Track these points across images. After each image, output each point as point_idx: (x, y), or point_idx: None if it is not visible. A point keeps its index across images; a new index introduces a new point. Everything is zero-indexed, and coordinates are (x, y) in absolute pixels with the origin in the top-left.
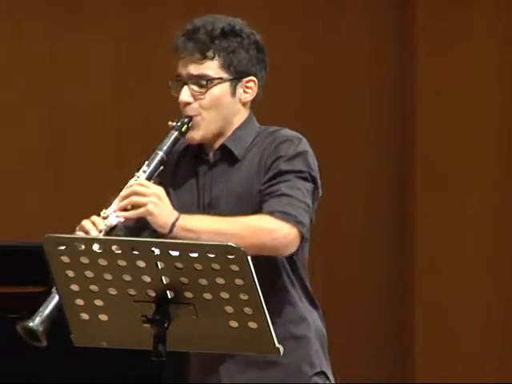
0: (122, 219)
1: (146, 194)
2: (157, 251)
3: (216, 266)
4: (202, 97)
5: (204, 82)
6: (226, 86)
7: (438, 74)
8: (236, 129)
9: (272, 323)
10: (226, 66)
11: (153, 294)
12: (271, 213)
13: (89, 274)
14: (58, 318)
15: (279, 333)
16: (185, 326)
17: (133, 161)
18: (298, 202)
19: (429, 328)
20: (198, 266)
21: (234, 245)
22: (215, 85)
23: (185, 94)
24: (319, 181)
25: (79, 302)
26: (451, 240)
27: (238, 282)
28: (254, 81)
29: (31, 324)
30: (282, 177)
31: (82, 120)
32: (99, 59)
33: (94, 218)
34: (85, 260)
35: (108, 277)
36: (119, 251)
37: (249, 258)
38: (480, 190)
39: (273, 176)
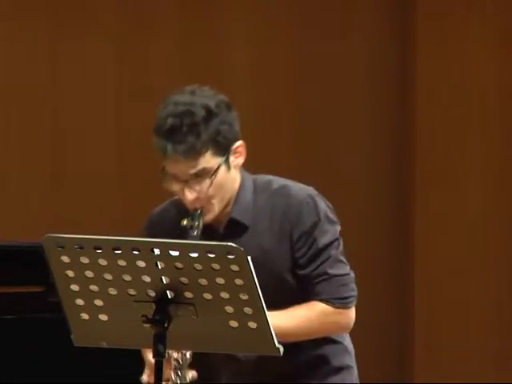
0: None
1: None
2: (157, 251)
3: (216, 266)
4: (208, 189)
5: (205, 176)
6: (223, 167)
7: (437, 74)
8: (236, 197)
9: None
10: (217, 150)
11: (153, 294)
12: (328, 301)
13: (89, 273)
14: (58, 318)
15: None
16: (185, 325)
17: (133, 161)
18: (347, 279)
19: (428, 328)
20: (198, 266)
21: (233, 245)
22: (216, 174)
23: (190, 195)
24: (337, 219)
25: (79, 301)
26: (451, 239)
27: (238, 281)
28: (241, 144)
29: None
30: (321, 256)
31: (83, 120)
32: (99, 60)
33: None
34: (85, 260)
35: (108, 277)
36: (119, 251)
37: (249, 258)
38: (480, 189)
39: (312, 256)
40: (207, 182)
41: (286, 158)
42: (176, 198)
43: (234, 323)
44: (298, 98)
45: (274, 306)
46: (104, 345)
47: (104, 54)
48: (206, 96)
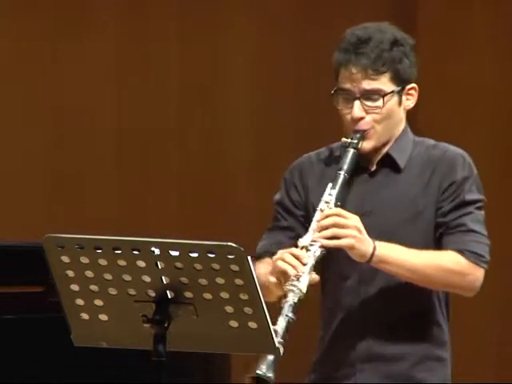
0: (324, 250)
1: (347, 226)
2: (157, 251)
3: (216, 266)
4: (377, 111)
5: (377, 97)
6: (396, 97)
7: (438, 74)
8: (397, 138)
9: (418, 343)
10: (395, 77)
11: (153, 294)
12: (462, 252)
13: (89, 273)
14: (58, 318)
15: (424, 353)
16: (185, 325)
17: (133, 161)
18: (484, 239)
19: None
20: (198, 266)
21: (234, 245)
22: (388, 99)
23: (359, 110)
24: None
25: (79, 301)
26: None
27: (238, 281)
28: (414, 87)
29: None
30: (465, 208)
31: (83, 120)
32: (100, 59)
33: (294, 250)
34: (85, 260)
35: (108, 277)
36: (119, 251)
37: (249, 257)
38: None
39: (455, 206)
40: (378, 103)
41: (286, 155)
42: (331, 145)
43: (234, 323)
44: (298, 97)
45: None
46: (104, 345)
47: (104, 53)
48: (395, 30)
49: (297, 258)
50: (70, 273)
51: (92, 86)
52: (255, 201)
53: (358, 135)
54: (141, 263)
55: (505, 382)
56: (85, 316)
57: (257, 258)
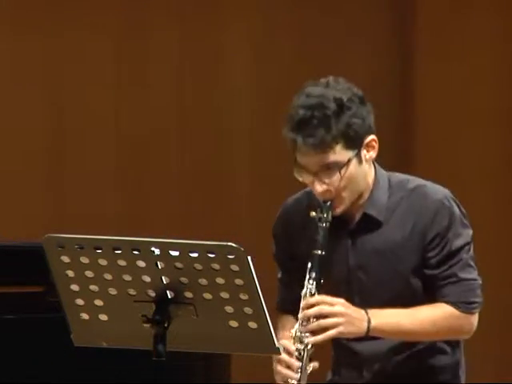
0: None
1: (332, 315)
2: (157, 251)
3: (216, 266)
4: (337, 182)
5: (334, 170)
6: (354, 161)
7: (438, 74)
8: (371, 191)
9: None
10: (349, 143)
11: (153, 294)
12: (455, 304)
13: (89, 273)
14: (58, 318)
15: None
16: (185, 325)
17: (132, 160)
18: (474, 284)
19: None
20: (198, 266)
21: (234, 245)
22: (347, 167)
23: (319, 187)
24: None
25: (79, 301)
26: None
27: (238, 281)
28: (373, 139)
29: None
30: (453, 258)
31: (82, 120)
32: (99, 59)
33: (285, 358)
34: (85, 260)
35: (108, 277)
36: (119, 251)
37: (249, 257)
38: (480, 189)
39: (443, 258)
40: (337, 174)
41: (285, 156)
42: (309, 188)
43: (234, 323)
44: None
45: (395, 306)
46: (104, 345)
47: (103, 52)
48: (339, 89)
49: (288, 366)
50: (70, 273)
51: (91, 85)
52: (255, 201)
53: (327, 206)
54: (141, 263)
55: (504, 382)
56: (85, 316)
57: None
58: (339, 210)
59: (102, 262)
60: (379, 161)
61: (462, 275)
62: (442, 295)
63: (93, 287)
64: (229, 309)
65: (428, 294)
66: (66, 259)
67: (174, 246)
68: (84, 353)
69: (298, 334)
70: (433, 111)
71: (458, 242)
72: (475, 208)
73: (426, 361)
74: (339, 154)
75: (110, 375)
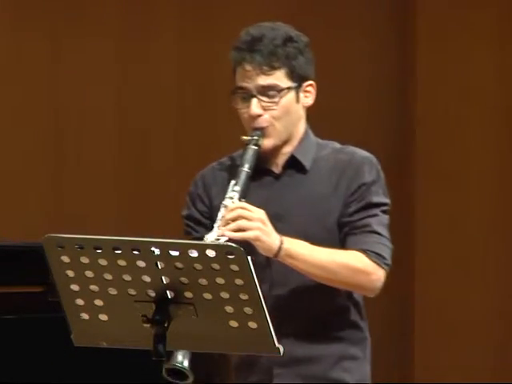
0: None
1: (252, 219)
2: (157, 251)
3: (216, 266)
4: (274, 107)
5: (274, 93)
6: (293, 93)
7: (437, 74)
8: (301, 139)
9: (334, 343)
10: (291, 73)
11: (153, 294)
12: (365, 252)
13: (89, 273)
14: (58, 318)
15: (339, 352)
16: (185, 325)
17: (133, 161)
18: (386, 242)
19: (428, 328)
20: (198, 266)
21: (233, 245)
22: (285, 94)
23: (256, 107)
24: None
25: (79, 301)
26: (452, 239)
27: (238, 281)
28: (312, 84)
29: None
30: (370, 210)
31: (83, 120)
32: (100, 59)
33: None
34: (85, 260)
35: (108, 277)
36: (119, 251)
37: (249, 257)
38: (480, 188)
39: (362, 207)
40: (274, 99)
41: None
42: (233, 153)
43: (234, 323)
44: None
45: None
46: (104, 345)
47: (105, 52)
48: (289, 28)
49: None
50: (70, 273)
51: (92, 85)
52: None
53: (258, 132)
54: (141, 263)
55: (504, 382)
56: (85, 316)
57: None
58: (270, 143)
59: (102, 261)
60: (379, 158)
61: (377, 228)
62: (355, 242)
63: (93, 287)
64: (229, 309)
65: (344, 245)
66: (65, 259)
67: (174, 246)
68: (84, 353)
69: (213, 238)
70: (433, 109)
71: (379, 199)
72: (476, 207)
73: (337, 333)
74: (281, 79)
75: (109, 375)
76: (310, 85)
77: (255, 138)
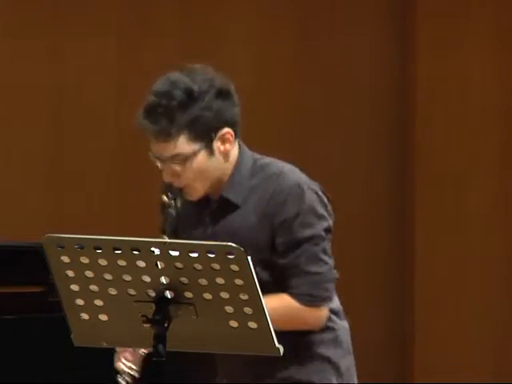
0: None
1: None
2: (157, 251)
3: (216, 266)
4: (184, 173)
5: (180, 160)
6: (202, 153)
7: (437, 74)
8: (231, 174)
9: (300, 344)
10: (194, 136)
11: (153, 294)
12: (296, 297)
13: (89, 273)
14: (58, 318)
15: (309, 354)
16: (185, 325)
17: (134, 159)
18: (320, 277)
19: (428, 328)
20: (198, 266)
21: (233, 245)
22: (193, 159)
23: (167, 176)
24: (331, 215)
25: (79, 301)
26: (451, 238)
27: (238, 281)
28: (228, 131)
29: None
30: (297, 248)
31: (84, 118)
32: (101, 57)
33: None
34: (85, 260)
35: (108, 277)
36: (119, 251)
37: (249, 257)
38: (480, 189)
39: (288, 248)
40: (184, 166)
41: (284, 156)
42: None
43: (234, 323)
44: (297, 97)
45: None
46: (104, 345)
47: (105, 52)
48: (196, 79)
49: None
50: (70, 273)
51: (93, 84)
52: None
53: (175, 193)
54: (141, 263)
55: (504, 382)
56: (85, 316)
57: None
58: (194, 198)
59: (102, 262)
60: (379, 160)
61: (307, 268)
62: (287, 286)
63: (93, 287)
64: (229, 309)
65: (277, 285)
66: (66, 259)
67: (174, 246)
68: (84, 353)
69: None
70: (433, 111)
71: (306, 233)
72: (475, 207)
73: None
74: (183, 145)
75: (110, 375)
76: (225, 133)
77: (172, 202)
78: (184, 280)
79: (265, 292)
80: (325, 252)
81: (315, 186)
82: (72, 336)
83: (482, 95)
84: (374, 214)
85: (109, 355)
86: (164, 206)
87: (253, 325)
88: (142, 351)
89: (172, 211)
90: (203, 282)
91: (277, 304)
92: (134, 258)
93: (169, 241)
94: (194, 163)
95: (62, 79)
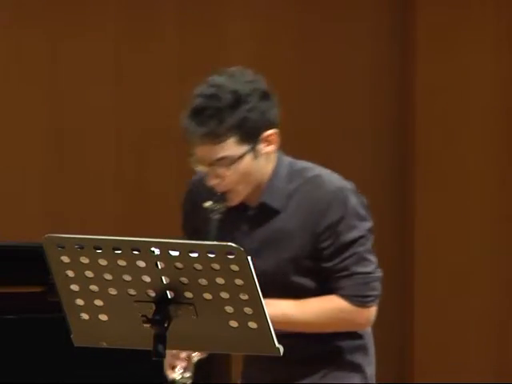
0: None
1: None
2: (157, 251)
3: (216, 266)
4: (229, 176)
5: (227, 163)
6: (248, 156)
7: (437, 74)
8: (270, 179)
9: (328, 350)
10: (243, 138)
11: (153, 294)
12: (347, 298)
13: (89, 274)
14: (58, 318)
15: (338, 361)
16: (185, 325)
17: (133, 161)
18: (369, 277)
19: (428, 328)
20: (198, 266)
21: (233, 245)
22: (239, 162)
23: (212, 179)
24: (370, 214)
25: (79, 301)
26: (451, 239)
27: (238, 281)
28: (273, 133)
29: None
30: (344, 252)
31: (82, 121)
32: (99, 60)
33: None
34: (85, 260)
35: (108, 277)
36: (119, 251)
37: (249, 258)
38: (480, 190)
39: (335, 251)
40: (230, 169)
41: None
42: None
43: (234, 323)
44: (297, 98)
45: (281, 291)
46: (104, 345)
47: (104, 52)
48: (240, 81)
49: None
50: (70, 273)
51: (91, 86)
52: None
53: (219, 198)
54: (141, 263)
55: (504, 382)
56: (85, 316)
57: None
58: (233, 203)
59: (102, 262)
60: (379, 160)
61: (356, 269)
62: (336, 288)
63: (93, 287)
64: (229, 309)
65: (325, 287)
66: (65, 259)
67: (174, 246)
68: (84, 353)
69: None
70: (432, 111)
71: (352, 235)
72: (476, 207)
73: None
74: (231, 148)
75: (109, 375)
76: (270, 134)
77: (217, 206)
78: (184, 280)
79: (302, 297)
80: (369, 252)
81: (353, 187)
82: (72, 336)
83: (482, 95)
84: (373, 214)
85: (109, 355)
86: (207, 210)
87: (253, 325)
88: (194, 356)
89: (216, 215)
90: (203, 281)
91: (327, 305)
92: (133, 258)
93: (169, 241)
94: (240, 165)
95: (61, 79)
